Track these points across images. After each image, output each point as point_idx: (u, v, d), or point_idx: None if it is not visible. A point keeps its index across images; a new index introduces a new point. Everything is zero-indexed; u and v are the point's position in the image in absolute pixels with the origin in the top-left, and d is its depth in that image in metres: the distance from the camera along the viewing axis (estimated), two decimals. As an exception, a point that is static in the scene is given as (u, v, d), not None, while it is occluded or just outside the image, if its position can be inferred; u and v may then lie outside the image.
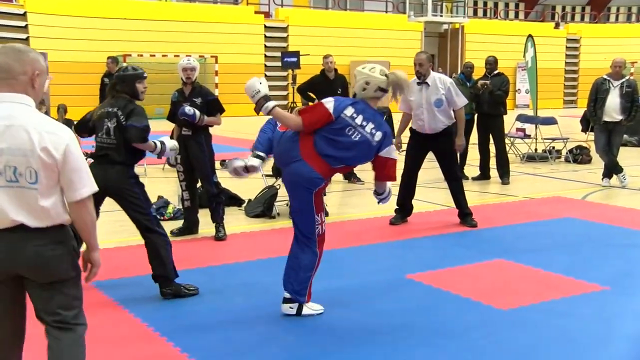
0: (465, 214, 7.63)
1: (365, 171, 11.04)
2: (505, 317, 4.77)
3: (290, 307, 4.72)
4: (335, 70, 10.47)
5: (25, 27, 22.15)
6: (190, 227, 7.15)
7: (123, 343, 4.30)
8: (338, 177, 10.50)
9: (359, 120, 4.61)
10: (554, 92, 32.06)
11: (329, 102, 4.64)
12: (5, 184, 2.88)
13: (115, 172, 5.05)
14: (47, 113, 8.38)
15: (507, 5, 38.43)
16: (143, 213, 5.09)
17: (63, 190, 2.96)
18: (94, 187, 3.01)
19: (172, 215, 7.73)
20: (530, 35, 14.57)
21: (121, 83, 5.24)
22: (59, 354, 3.03)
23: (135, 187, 5.11)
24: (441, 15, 30.63)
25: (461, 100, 7.51)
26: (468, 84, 10.67)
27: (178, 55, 23.01)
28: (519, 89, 30.56)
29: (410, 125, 7.75)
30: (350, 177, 10.47)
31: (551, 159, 12.99)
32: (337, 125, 4.57)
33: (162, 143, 5.38)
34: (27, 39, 21.36)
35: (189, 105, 6.77)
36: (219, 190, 7.08)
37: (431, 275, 5.72)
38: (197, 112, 6.75)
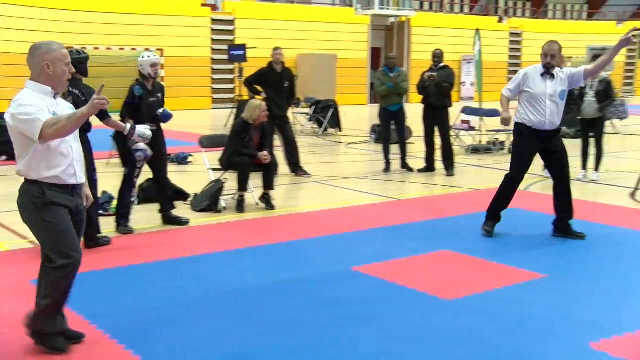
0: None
1: (312, 165, 11.07)
2: (450, 307, 4.84)
3: None
4: (283, 63, 10.45)
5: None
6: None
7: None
8: (285, 170, 10.50)
9: None
10: (498, 84, 32.25)
11: None
12: None
13: None
14: None
15: (452, -2, 38.89)
16: None
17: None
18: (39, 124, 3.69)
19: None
20: (477, 30, 14.77)
21: None
22: None
23: None
24: (388, 9, 30.78)
25: None
26: (391, 75, 10.78)
27: (123, 49, 22.69)
28: (463, 82, 30.96)
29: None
30: (297, 170, 10.47)
31: (495, 150, 13.21)
32: None
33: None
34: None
35: (154, 98, 7.00)
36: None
37: (377, 267, 5.76)
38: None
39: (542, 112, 6.82)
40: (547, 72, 6.86)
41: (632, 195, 8.99)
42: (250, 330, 4.37)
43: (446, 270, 5.74)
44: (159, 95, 7.08)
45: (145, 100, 6.90)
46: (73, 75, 5.99)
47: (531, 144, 6.91)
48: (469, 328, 4.45)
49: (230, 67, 24.64)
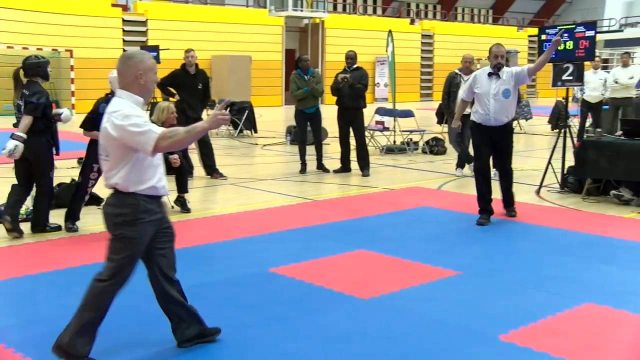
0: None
1: (228, 167, 11.00)
2: (367, 306, 4.90)
3: None
4: (196, 65, 10.34)
5: None
6: None
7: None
8: (201, 172, 10.40)
9: None
10: (411, 85, 33.24)
11: None
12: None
13: None
14: None
15: (365, 0, 39.40)
16: None
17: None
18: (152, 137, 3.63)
19: (24, 217, 7.34)
20: (390, 31, 15.01)
21: None
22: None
23: None
24: (302, 10, 30.91)
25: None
26: (305, 77, 10.86)
27: (27, 48, 21.81)
28: (377, 83, 31.42)
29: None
30: (213, 172, 10.39)
31: (409, 150, 13.47)
32: None
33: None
34: None
35: None
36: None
37: (294, 268, 5.77)
38: None
39: (487, 110, 7.57)
40: (495, 72, 7.58)
41: (538, 192, 9.34)
42: (161, 337, 4.30)
43: (363, 270, 5.81)
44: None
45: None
46: (31, 77, 6.64)
47: (481, 137, 7.71)
48: (382, 326, 4.52)
49: (144, 69, 24.15)
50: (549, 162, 9.42)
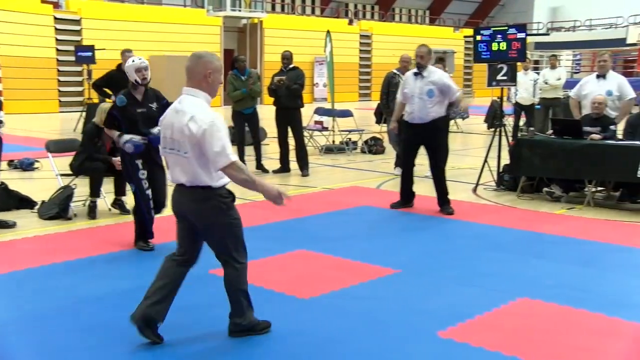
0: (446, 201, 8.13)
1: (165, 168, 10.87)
2: (308, 306, 4.93)
3: None
4: (133, 65, 10.20)
5: None
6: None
7: None
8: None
9: None
10: (349, 85, 33.45)
11: None
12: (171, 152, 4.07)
13: None
14: None
15: (303, 1, 39.48)
16: None
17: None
18: (229, 159, 3.90)
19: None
20: (328, 31, 15.08)
21: None
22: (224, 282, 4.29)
23: None
24: (240, 10, 30.74)
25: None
26: (242, 77, 10.85)
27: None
28: (316, 83, 31.51)
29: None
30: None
31: (348, 150, 13.57)
32: None
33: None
34: None
35: (146, 109, 6.26)
36: None
37: (235, 269, 5.75)
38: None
39: (412, 108, 7.93)
40: (419, 72, 7.93)
41: (474, 190, 9.54)
42: (104, 341, 4.25)
43: (303, 270, 5.84)
44: (152, 105, 6.29)
45: (128, 112, 6.21)
46: None
47: (408, 134, 8.10)
48: (322, 326, 4.56)
49: (78, 68, 23.63)
50: (485, 161, 9.63)
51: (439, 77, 7.96)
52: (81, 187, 8.01)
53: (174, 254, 4.44)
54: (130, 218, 7.73)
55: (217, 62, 4.13)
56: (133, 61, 6.20)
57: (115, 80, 10.14)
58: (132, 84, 6.25)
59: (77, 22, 25.67)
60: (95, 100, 14.10)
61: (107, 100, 9.90)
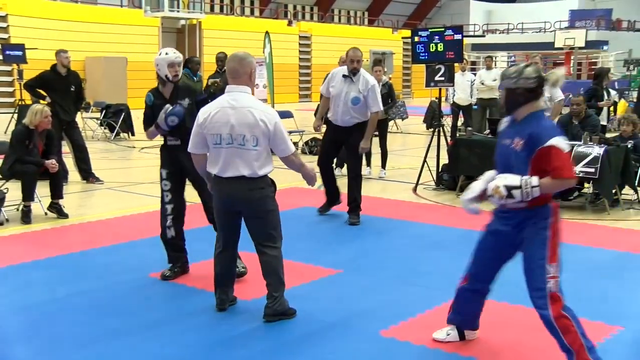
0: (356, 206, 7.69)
1: (105, 171, 10.67)
2: (249, 308, 4.90)
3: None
4: (68, 66, 9.97)
5: None
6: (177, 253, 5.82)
7: None
8: (76, 177, 10.03)
9: None
10: (289, 86, 33.42)
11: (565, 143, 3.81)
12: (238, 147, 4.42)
13: None
14: None
15: (242, 1, 39.32)
16: None
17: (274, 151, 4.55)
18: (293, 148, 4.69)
19: None
20: (267, 32, 15.04)
21: None
22: (264, 264, 4.63)
23: None
24: (178, 11, 30.40)
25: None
26: (195, 78, 10.76)
27: None
28: (256, 84, 31.34)
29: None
30: (89, 176, 10.06)
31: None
32: None
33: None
34: None
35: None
36: None
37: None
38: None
39: (336, 110, 7.62)
40: (350, 76, 7.57)
41: (414, 190, 9.65)
42: (35, 350, 4.14)
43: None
44: (182, 102, 5.55)
45: (155, 110, 5.53)
46: None
47: (329, 134, 7.89)
48: (263, 328, 4.55)
49: (8, 68, 22.92)
50: (425, 161, 9.75)
51: (368, 87, 7.52)
52: (14, 191, 7.79)
53: (221, 250, 4.81)
54: (67, 222, 7.57)
55: (255, 62, 4.63)
56: (167, 54, 5.52)
57: (49, 81, 9.89)
58: (160, 80, 5.61)
59: (3, 18, 24.84)
60: (28, 102, 13.72)
61: (42, 101, 9.64)
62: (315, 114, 16.63)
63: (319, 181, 7.25)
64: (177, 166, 5.59)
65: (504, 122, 4.14)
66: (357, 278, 5.64)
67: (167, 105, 5.40)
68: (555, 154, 3.69)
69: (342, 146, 7.90)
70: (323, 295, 5.21)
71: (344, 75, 7.63)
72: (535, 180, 3.71)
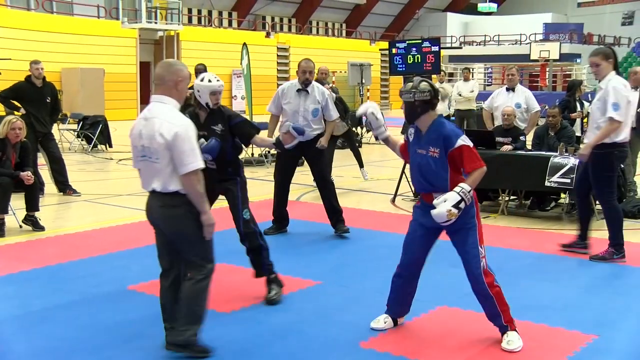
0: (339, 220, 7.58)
1: (82, 182, 10.60)
2: (228, 320, 4.90)
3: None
4: (43, 77, 9.91)
5: None
6: None
7: None
8: (52, 189, 9.94)
9: None
10: (268, 98, 33.00)
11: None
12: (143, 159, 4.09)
13: None
14: None
15: (220, 13, 39.30)
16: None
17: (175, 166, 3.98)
18: (199, 164, 3.99)
19: None
20: (244, 44, 15.06)
21: None
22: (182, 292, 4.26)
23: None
24: (156, 22, 30.31)
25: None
26: None
27: None
28: (234, 96, 31.36)
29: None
30: (66, 188, 9.97)
31: (267, 162, 13.55)
32: None
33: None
34: None
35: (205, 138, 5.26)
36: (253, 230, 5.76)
37: (153, 285, 5.57)
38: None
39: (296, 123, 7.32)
40: (304, 88, 7.42)
41: (393, 200, 9.68)
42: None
43: (223, 284, 5.76)
44: (215, 127, 5.39)
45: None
46: None
47: (287, 151, 7.32)
48: (242, 339, 4.55)
49: (-20, 78, 22.66)
50: (403, 172, 9.78)
51: (325, 97, 7.52)
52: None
53: (161, 273, 4.42)
54: (44, 235, 7.50)
55: (187, 70, 4.18)
56: (210, 81, 5.32)
57: (24, 92, 9.82)
58: (198, 104, 5.46)
59: (-25, 28, 24.53)
60: (2, 113, 13.58)
61: (16, 112, 9.55)
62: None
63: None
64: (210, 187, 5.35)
65: (410, 132, 4.71)
66: (336, 289, 5.64)
67: (202, 140, 5.13)
68: (466, 150, 4.36)
69: (298, 160, 7.84)
70: (302, 306, 5.21)
71: (298, 90, 7.46)
72: (467, 185, 4.29)
